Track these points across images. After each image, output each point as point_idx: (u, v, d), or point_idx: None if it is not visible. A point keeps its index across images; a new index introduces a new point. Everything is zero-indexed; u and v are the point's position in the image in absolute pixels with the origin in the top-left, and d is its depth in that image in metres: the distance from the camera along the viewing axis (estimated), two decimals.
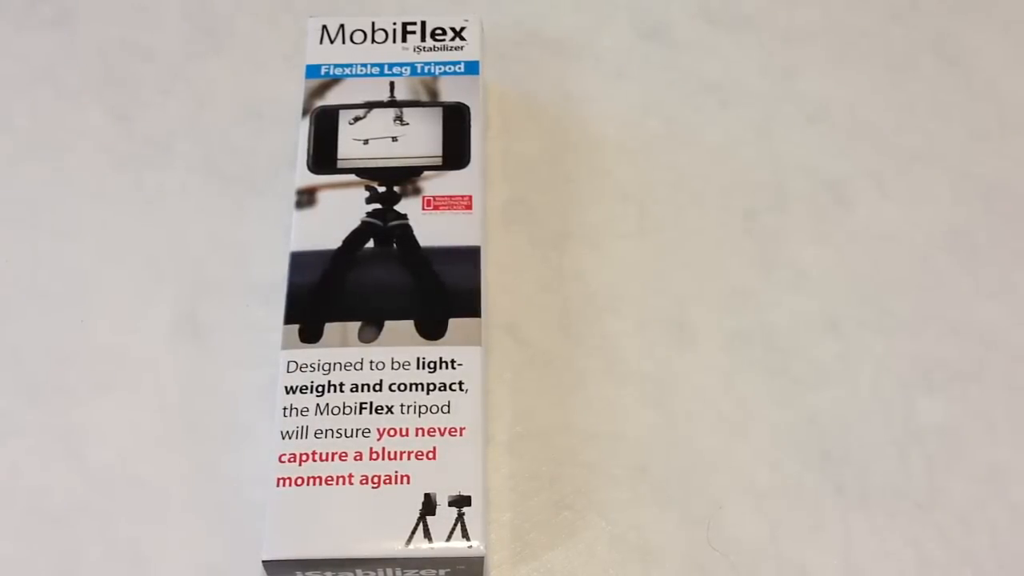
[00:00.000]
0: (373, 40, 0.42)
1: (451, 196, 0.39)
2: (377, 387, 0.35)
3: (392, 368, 0.36)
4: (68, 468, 0.38)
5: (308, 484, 0.34)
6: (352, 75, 0.41)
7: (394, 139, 0.40)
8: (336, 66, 0.41)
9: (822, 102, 0.45)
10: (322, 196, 0.39)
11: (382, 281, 0.37)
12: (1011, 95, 0.45)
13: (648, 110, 0.45)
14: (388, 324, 0.36)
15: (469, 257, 0.38)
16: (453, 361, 0.36)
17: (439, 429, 0.35)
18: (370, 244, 0.38)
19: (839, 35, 0.47)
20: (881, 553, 0.37)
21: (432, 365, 0.36)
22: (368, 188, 0.39)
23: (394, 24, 0.42)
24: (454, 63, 0.41)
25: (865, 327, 0.40)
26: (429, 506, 0.34)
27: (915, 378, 0.39)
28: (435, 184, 0.39)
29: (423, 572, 0.34)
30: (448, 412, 0.35)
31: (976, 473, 0.38)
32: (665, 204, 0.43)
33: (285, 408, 0.35)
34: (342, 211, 0.38)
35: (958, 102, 0.45)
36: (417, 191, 0.39)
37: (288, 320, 0.37)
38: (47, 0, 0.47)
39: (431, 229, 0.38)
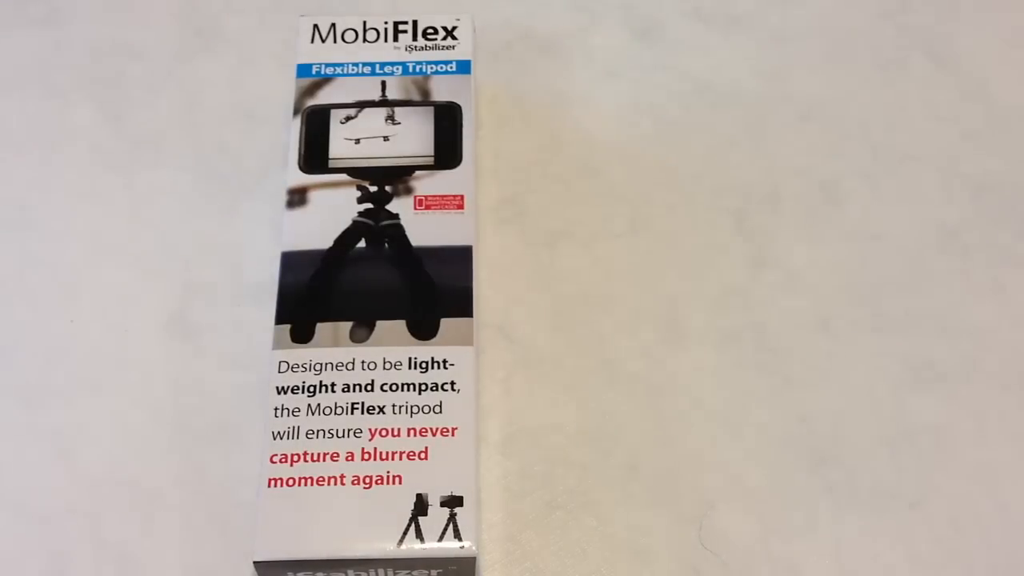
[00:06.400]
0: (364, 39, 0.42)
1: (443, 196, 0.39)
2: (369, 387, 0.35)
3: (384, 368, 0.36)
4: (57, 469, 0.38)
5: (299, 485, 0.34)
6: (343, 74, 0.41)
7: (386, 138, 0.40)
8: (327, 65, 0.41)
9: (813, 102, 0.45)
10: (313, 196, 0.39)
11: (374, 281, 0.37)
12: (1001, 94, 0.45)
13: (640, 109, 0.45)
14: (380, 324, 0.36)
15: (461, 257, 0.38)
16: (445, 361, 0.36)
17: (431, 429, 0.35)
18: (362, 244, 0.38)
19: (830, 35, 0.47)
20: (872, 552, 0.37)
21: (424, 365, 0.36)
22: (360, 188, 0.39)
23: (385, 23, 0.42)
24: (446, 62, 0.41)
25: (856, 326, 0.40)
26: (421, 506, 0.33)
27: (906, 377, 0.40)
28: (427, 184, 0.39)
29: (415, 572, 0.34)
30: (440, 412, 0.35)
31: (967, 472, 0.38)
32: (657, 203, 0.43)
33: (276, 408, 0.35)
34: (333, 211, 0.38)
35: (949, 101, 0.45)
36: (409, 191, 0.39)
37: (279, 320, 0.36)
38: None
39: (423, 229, 0.38)
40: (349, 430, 0.35)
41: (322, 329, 0.36)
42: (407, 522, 0.33)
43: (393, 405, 0.35)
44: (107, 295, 0.41)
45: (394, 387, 0.35)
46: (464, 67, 0.41)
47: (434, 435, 0.35)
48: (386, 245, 0.38)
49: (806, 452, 0.38)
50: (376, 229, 0.38)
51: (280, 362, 0.36)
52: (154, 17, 0.47)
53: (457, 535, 0.33)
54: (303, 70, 0.41)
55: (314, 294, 0.37)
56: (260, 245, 0.41)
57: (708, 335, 0.40)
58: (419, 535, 0.33)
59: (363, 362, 0.36)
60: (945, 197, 0.43)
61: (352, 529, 0.33)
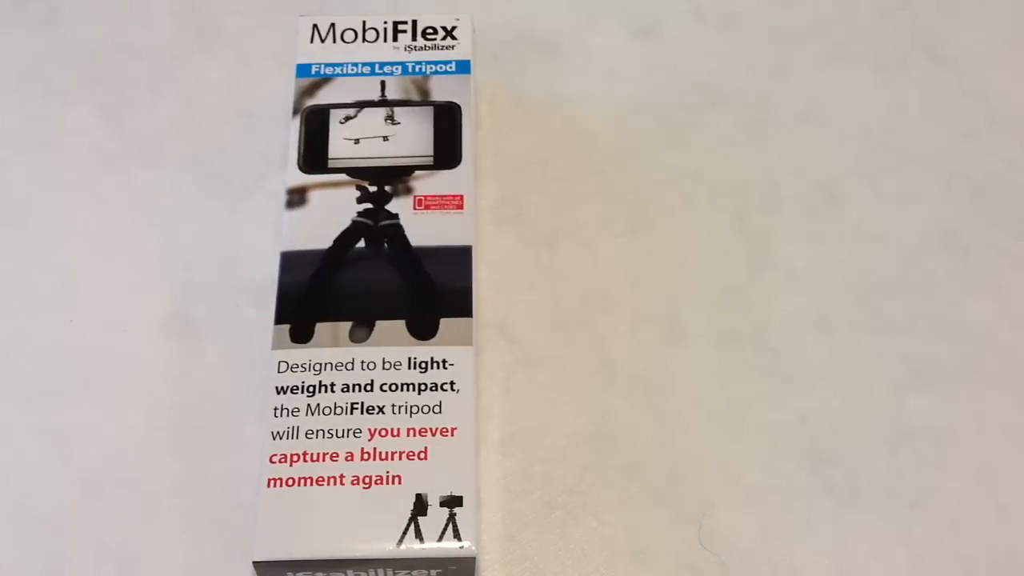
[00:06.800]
0: (364, 39, 0.42)
1: (442, 196, 0.39)
2: (368, 387, 0.35)
3: (383, 368, 0.36)
4: (56, 469, 0.38)
5: (299, 485, 0.34)
6: (343, 74, 0.41)
7: (385, 138, 0.40)
8: (327, 65, 0.41)
9: (813, 101, 0.45)
10: (313, 196, 0.39)
11: (373, 281, 0.37)
12: (1001, 94, 0.45)
13: (639, 109, 0.45)
14: (379, 324, 0.36)
15: (460, 257, 0.38)
16: (444, 361, 0.36)
17: (430, 429, 0.35)
18: (361, 244, 0.38)
19: (830, 35, 0.47)
20: (872, 552, 0.37)
21: (423, 365, 0.36)
22: (359, 188, 0.39)
23: (385, 23, 0.42)
24: (445, 62, 0.41)
25: (856, 326, 0.40)
26: (420, 506, 0.33)
27: (905, 377, 0.40)
28: (426, 183, 0.39)
29: (414, 573, 0.34)
30: (439, 412, 0.35)
31: (966, 472, 0.38)
32: (656, 203, 0.43)
33: (276, 408, 0.35)
34: (333, 211, 0.38)
35: (948, 101, 0.45)
36: (408, 190, 0.39)
37: (279, 320, 0.36)
38: None
39: (422, 229, 0.38)
40: (348, 430, 0.35)
41: (321, 329, 0.36)
42: (406, 522, 0.33)
43: (393, 405, 0.35)
44: (106, 295, 0.41)
45: (393, 387, 0.35)
46: (464, 67, 0.41)
47: (434, 435, 0.35)
48: (385, 245, 0.38)
49: (806, 452, 0.38)
50: (375, 229, 0.38)
51: (279, 362, 0.36)
52: (154, 17, 0.47)
53: (457, 535, 0.33)
54: (302, 70, 0.41)
55: (313, 294, 0.37)
56: (259, 245, 0.41)
57: (708, 335, 0.40)
58: (419, 535, 0.33)
59: (363, 362, 0.36)
60: (945, 197, 0.43)
61: (352, 529, 0.33)
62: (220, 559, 0.36)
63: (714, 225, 0.42)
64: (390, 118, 0.40)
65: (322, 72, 0.41)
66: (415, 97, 0.41)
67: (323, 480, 0.34)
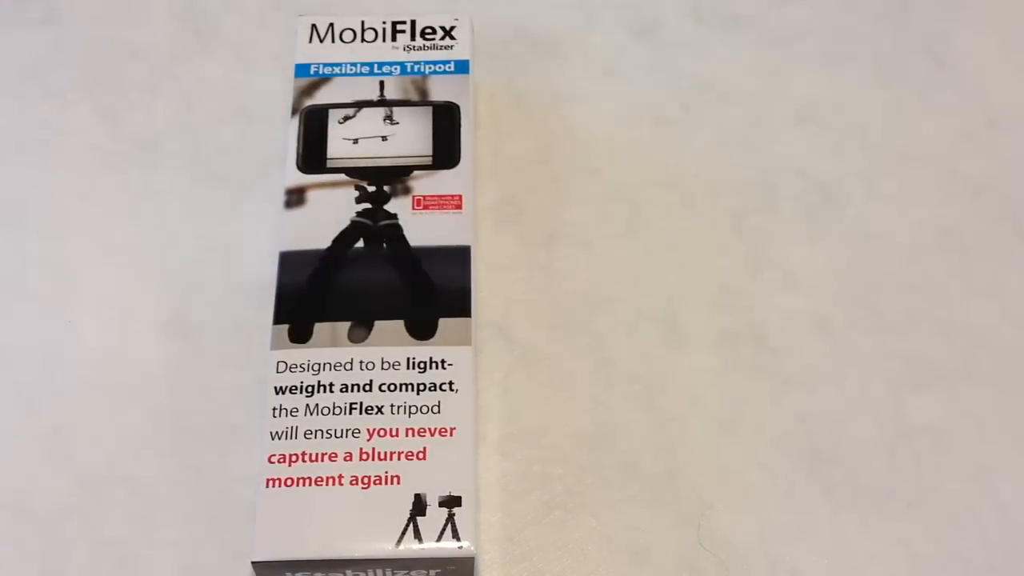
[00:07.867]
0: (363, 39, 0.42)
1: (441, 196, 0.39)
2: (367, 387, 0.35)
3: (382, 368, 0.36)
4: (55, 469, 0.38)
5: (298, 485, 0.34)
6: (342, 74, 0.41)
7: (384, 138, 0.40)
8: (326, 65, 0.41)
9: (812, 102, 0.45)
10: (311, 196, 0.39)
11: (372, 281, 0.37)
12: (1000, 94, 0.45)
13: (638, 109, 0.45)
14: (378, 324, 0.36)
15: (459, 257, 0.38)
16: (443, 361, 0.36)
17: (429, 429, 0.35)
18: (360, 244, 0.38)
19: (829, 35, 0.47)
20: (871, 552, 0.37)
21: (422, 365, 0.36)
22: (358, 188, 0.39)
23: (384, 23, 0.42)
24: (444, 62, 0.41)
25: (855, 327, 0.40)
26: (419, 507, 0.33)
27: (905, 377, 0.39)
28: (425, 183, 0.39)
29: (413, 573, 0.34)
30: (438, 412, 0.35)
31: (966, 472, 0.38)
32: (655, 203, 0.43)
33: (274, 408, 0.35)
34: (332, 211, 0.38)
35: (947, 102, 0.45)
36: (407, 190, 0.39)
37: (277, 320, 0.36)
38: None
39: (421, 229, 0.38)
40: (347, 430, 0.35)
41: (320, 329, 0.36)
42: (405, 522, 0.33)
43: (391, 405, 0.35)
44: (105, 295, 0.41)
45: (392, 387, 0.35)
46: (462, 67, 0.41)
47: (432, 435, 0.35)
48: (384, 245, 0.38)
49: (805, 452, 0.38)
50: (374, 229, 0.38)
51: (278, 362, 0.36)
52: (153, 17, 0.47)
53: (455, 535, 0.33)
54: (301, 70, 0.41)
55: (312, 294, 0.37)
56: (258, 245, 0.41)
57: (707, 335, 0.40)
58: (417, 535, 0.33)
59: (361, 362, 0.36)
60: (944, 197, 0.43)
61: (350, 529, 0.33)
62: (219, 559, 0.36)
63: (713, 225, 0.42)
64: (389, 118, 0.40)
65: (321, 72, 0.41)
66: (414, 97, 0.41)
67: (322, 480, 0.34)
